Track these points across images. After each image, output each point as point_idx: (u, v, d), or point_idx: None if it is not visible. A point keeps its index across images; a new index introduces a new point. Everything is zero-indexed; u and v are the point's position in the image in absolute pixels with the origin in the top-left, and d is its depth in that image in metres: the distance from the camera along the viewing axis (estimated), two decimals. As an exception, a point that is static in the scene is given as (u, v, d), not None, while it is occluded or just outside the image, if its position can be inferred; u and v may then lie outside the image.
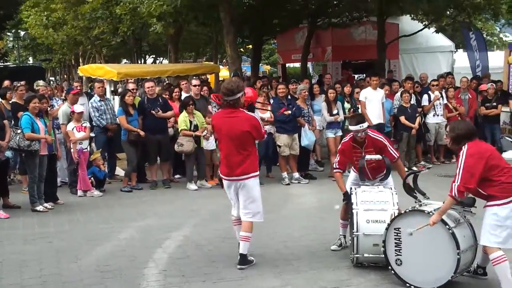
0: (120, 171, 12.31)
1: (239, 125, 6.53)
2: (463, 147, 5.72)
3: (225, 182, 6.87)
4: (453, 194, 5.62)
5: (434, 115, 13.28)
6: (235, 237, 7.74)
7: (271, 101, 12.34)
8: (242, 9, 19.50)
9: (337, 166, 7.16)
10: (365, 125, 6.95)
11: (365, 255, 6.54)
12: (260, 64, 30.59)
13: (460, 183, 5.57)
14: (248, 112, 6.77)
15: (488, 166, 5.60)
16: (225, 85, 6.67)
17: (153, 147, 11.44)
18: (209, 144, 11.59)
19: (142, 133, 11.17)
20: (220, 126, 6.70)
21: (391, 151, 7.04)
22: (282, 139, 11.49)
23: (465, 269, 6.12)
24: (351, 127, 7.00)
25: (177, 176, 12.23)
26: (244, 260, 6.70)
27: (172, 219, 9.06)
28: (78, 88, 13.11)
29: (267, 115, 11.76)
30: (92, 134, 11.44)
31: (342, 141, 7.37)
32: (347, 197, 6.98)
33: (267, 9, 19.52)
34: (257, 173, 6.79)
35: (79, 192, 10.72)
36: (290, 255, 7.18)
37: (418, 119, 12.83)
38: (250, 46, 26.39)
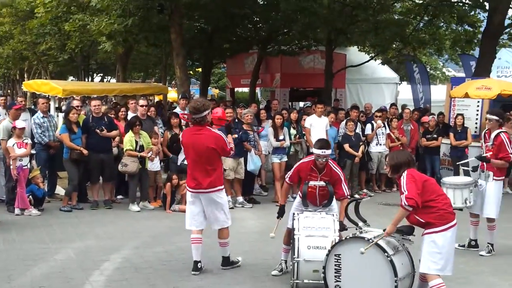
0: (60, 190, 12.03)
1: (205, 142, 7.05)
2: (402, 173, 5.87)
3: (190, 195, 7.28)
4: (403, 204, 5.70)
5: (376, 144, 13.53)
6: (176, 259, 7.69)
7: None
8: (193, 32, 19.59)
9: (288, 179, 7.27)
10: (328, 152, 6.94)
11: (305, 280, 6.56)
12: (209, 88, 30.65)
13: (408, 194, 5.69)
14: (214, 130, 7.28)
15: (425, 189, 5.77)
16: (192, 104, 7.26)
17: (96, 166, 11.24)
18: (154, 165, 11.49)
19: (85, 151, 10.96)
20: (188, 142, 7.23)
21: (343, 187, 7.04)
22: (227, 163, 11.45)
23: (402, 297, 6.20)
24: (314, 150, 7.00)
25: (119, 196, 12.05)
26: (227, 261, 7.40)
27: (112, 240, 8.89)
28: (22, 103, 12.80)
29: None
30: (33, 151, 11.15)
31: (301, 161, 7.37)
32: (281, 211, 7.16)
33: (217, 34, 19.67)
34: (222, 186, 7.29)
35: (17, 211, 10.40)
36: (232, 279, 7.13)
37: (361, 148, 13.05)
38: (200, 69, 26.44)
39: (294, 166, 7.34)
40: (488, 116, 8.59)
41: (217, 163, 7.22)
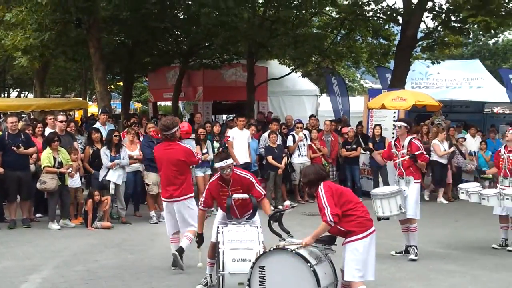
0: (-25, 210, 11.53)
1: (176, 155, 7.84)
2: (318, 187, 6.03)
3: (166, 205, 8.00)
4: (328, 219, 5.83)
5: (298, 155, 13.75)
6: (98, 277, 7.54)
7: (141, 138, 12.25)
8: (113, 46, 19.33)
9: (202, 205, 7.23)
10: (229, 161, 7.02)
11: (230, 293, 6.56)
12: (131, 102, 30.27)
13: (331, 209, 5.83)
14: (183, 144, 8.08)
15: (341, 201, 5.92)
16: (162, 123, 7.99)
17: (12, 184, 10.86)
18: (74, 181, 11.23)
19: (0, 169, 10.58)
20: (161, 156, 7.99)
21: (258, 189, 7.17)
22: (151, 177, 11.36)
23: (325, 305, 6.30)
24: (216, 164, 7.10)
25: (38, 215, 11.67)
26: (182, 252, 7.53)
27: (31, 260, 8.60)
28: None
29: (136, 152, 11.65)
30: None
31: (210, 181, 7.44)
32: (200, 239, 7.19)
33: (138, 48, 19.48)
34: (193, 194, 8.03)
35: None
36: (156, 295, 7.06)
37: (284, 159, 13.23)
38: (121, 83, 26.09)
39: (205, 190, 7.39)
40: (398, 123, 9.03)
41: (187, 173, 7.99)
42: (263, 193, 7.22)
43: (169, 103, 26.88)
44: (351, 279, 5.95)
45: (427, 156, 9.08)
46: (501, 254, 9.22)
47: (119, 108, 29.18)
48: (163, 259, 8.74)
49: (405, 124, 8.99)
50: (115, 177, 11.21)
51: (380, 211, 8.12)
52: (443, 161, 14.25)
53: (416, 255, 8.71)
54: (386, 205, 8.22)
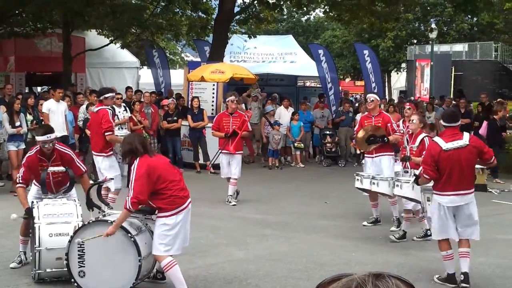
0: None
1: None
2: (134, 161, 5.96)
3: None
4: (128, 207, 5.80)
5: (119, 128, 13.50)
6: None
7: None
8: None
9: (21, 181, 6.89)
10: (53, 135, 6.88)
11: (48, 270, 6.40)
12: None
13: (133, 195, 5.78)
14: None
15: (156, 180, 5.88)
16: None
17: None
18: None
19: None
20: None
21: (78, 165, 7.05)
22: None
23: (146, 275, 6.39)
24: (38, 138, 6.83)
25: None
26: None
27: None
28: None
29: None
30: None
31: (28, 155, 7.10)
32: (29, 213, 6.78)
33: None
34: None
35: None
36: (-35, 277, 6.65)
37: (103, 132, 12.96)
38: None
39: (22, 163, 7.08)
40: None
41: None
42: (83, 170, 7.13)
43: (-24, 74, 24.88)
44: (157, 253, 6.03)
45: None
46: (313, 217, 9.87)
47: None
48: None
49: None
50: None
51: None
52: None
53: None
54: None
